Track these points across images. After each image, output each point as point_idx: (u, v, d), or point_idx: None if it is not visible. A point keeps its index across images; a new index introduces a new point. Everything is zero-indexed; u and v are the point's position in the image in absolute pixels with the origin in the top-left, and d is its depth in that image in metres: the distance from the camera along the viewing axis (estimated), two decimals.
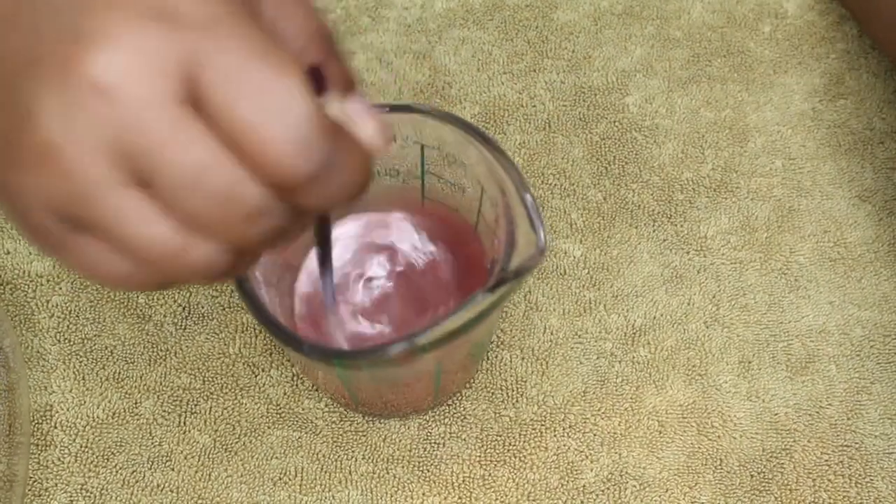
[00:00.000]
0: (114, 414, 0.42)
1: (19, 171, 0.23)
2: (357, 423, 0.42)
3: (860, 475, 0.42)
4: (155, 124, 0.22)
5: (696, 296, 0.45)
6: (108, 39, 0.22)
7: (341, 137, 0.24)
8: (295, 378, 0.43)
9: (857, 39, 0.49)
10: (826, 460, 0.43)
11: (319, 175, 0.23)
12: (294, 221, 0.25)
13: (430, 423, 0.42)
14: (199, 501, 0.41)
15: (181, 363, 0.43)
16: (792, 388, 0.44)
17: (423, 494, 0.42)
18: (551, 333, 0.44)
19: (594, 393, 0.43)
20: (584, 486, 0.42)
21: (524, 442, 0.42)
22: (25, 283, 0.44)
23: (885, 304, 0.45)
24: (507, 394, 0.43)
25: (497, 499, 0.42)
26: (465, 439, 0.42)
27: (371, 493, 0.42)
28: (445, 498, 0.41)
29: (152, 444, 0.42)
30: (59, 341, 0.43)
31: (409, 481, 0.42)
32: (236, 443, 0.42)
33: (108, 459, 0.42)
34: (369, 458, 0.42)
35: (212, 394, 0.43)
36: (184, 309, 0.44)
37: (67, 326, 0.43)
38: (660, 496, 0.42)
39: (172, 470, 0.42)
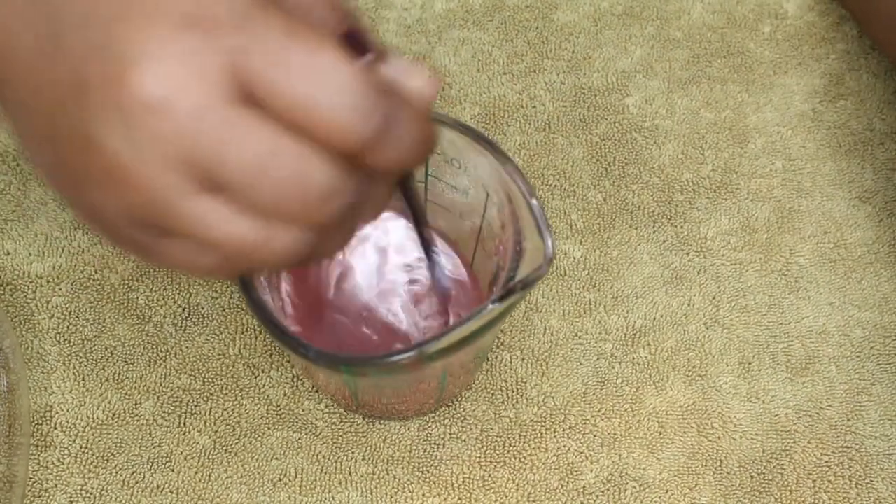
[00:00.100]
0: (114, 415, 0.42)
1: (95, 193, 0.24)
2: (357, 425, 0.42)
3: (860, 476, 0.42)
4: (212, 128, 0.23)
5: (697, 297, 0.45)
6: (151, 55, 0.22)
7: (393, 95, 0.25)
8: (295, 379, 0.43)
9: (857, 40, 0.49)
10: (826, 461, 0.43)
11: (382, 133, 0.24)
12: (373, 190, 0.26)
13: (429, 424, 0.42)
14: (199, 502, 0.41)
15: (181, 364, 0.43)
16: (792, 389, 0.44)
17: (423, 495, 0.42)
18: (551, 334, 0.44)
19: (594, 394, 0.43)
20: (583, 487, 0.42)
21: (524, 443, 0.42)
22: (25, 284, 0.44)
23: (886, 306, 0.45)
24: (508, 395, 0.43)
25: (497, 500, 0.42)
26: (465, 440, 0.42)
27: (371, 494, 0.42)
28: (445, 499, 0.41)
29: (152, 444, 0.42)
30: (59, 342, 0.43)
31: (409, 482, 0.42)
32: (236, 444, 0.42)
33: (107, 460, 0.42)
34: (369, 459, 0.42)
35: (212, 395, 0.43)
36: (184, 310, 0.44)
37: (67, 327, 0.43)
38: (660, 497, 0.42)
39: (172, 471, 0.42)
